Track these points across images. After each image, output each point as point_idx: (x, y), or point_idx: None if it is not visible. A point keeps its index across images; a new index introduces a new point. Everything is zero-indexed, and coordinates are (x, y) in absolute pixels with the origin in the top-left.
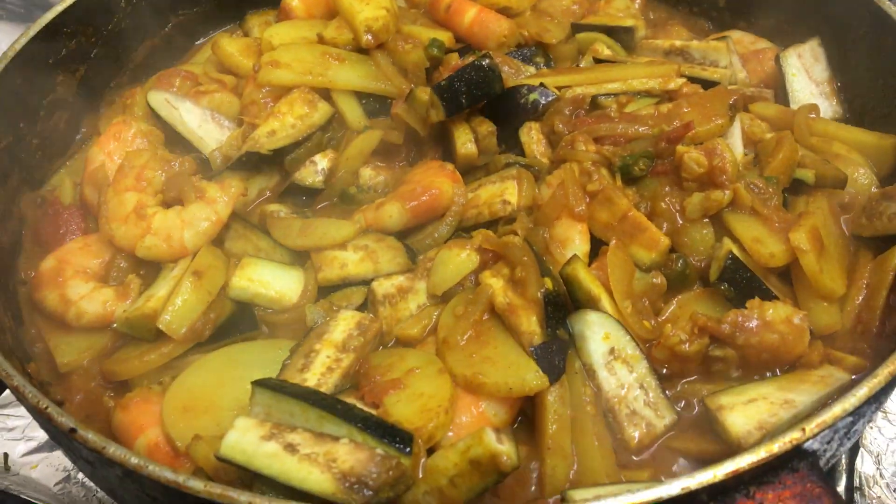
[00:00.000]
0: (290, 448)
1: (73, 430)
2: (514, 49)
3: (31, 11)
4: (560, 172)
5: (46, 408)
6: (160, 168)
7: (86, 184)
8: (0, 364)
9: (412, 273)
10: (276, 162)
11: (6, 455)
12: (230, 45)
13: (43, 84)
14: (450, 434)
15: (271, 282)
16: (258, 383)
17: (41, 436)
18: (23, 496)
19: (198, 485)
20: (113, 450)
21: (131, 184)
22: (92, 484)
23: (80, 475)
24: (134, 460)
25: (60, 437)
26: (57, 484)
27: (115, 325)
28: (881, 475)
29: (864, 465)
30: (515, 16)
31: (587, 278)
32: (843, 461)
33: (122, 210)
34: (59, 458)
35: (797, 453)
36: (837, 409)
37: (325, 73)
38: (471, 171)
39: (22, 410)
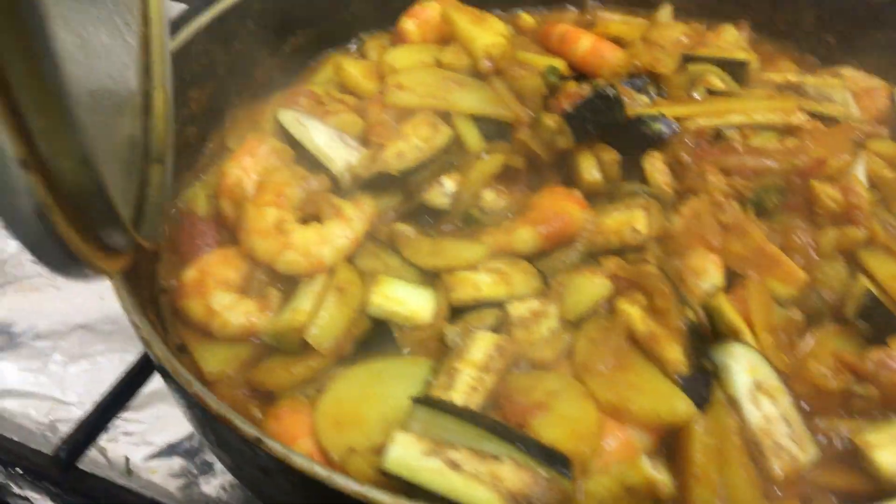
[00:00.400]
0: (453, 465)
1: (258, 440)
2: (627, 78)
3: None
4: (693, 203)
5: (231, 417)
6: (299, 185)
7: (222, 197)
8: (182, 374)
9: (545, 297)
10: (401, 183)
11: (128, 459)
12: (353, 68)
13: (178, 99)
14: (597, 460)
15: (406, 300)
16: (418, 400)
17: (160, 441)
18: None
19: (386, 499)
20: (298, 460)
21: (271, 199)
22: (212, 491)
23: (200, 481)
24: (319, 471)
25: (236, 444)
26: (179, 489)
27: (261, 336)
28: None
29: None
30: (627, 45)
31: (730, 310)
32: None
33: (262, 225)
34: (178, 464)
35: None
36: None
37: (447, 97)
38: (592, 198)
39: (141, 415)
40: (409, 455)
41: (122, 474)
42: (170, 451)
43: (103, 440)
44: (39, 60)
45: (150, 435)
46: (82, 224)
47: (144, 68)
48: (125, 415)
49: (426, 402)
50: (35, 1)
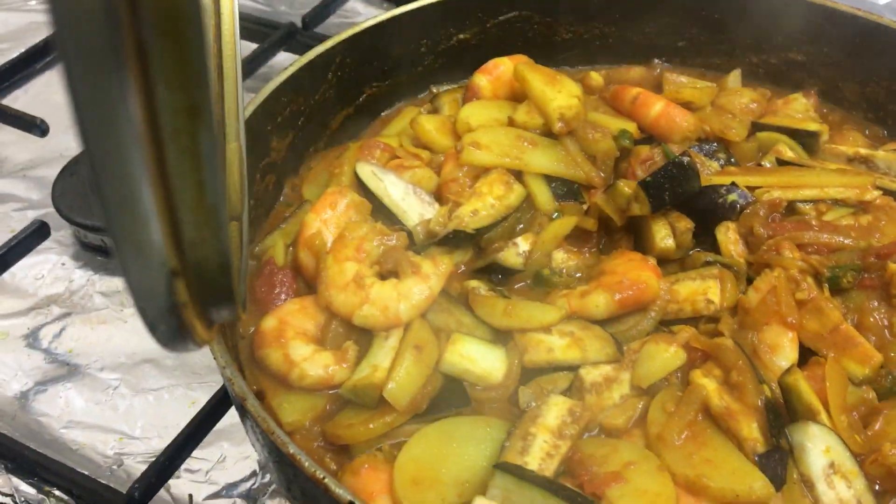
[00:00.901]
0: None
1: (351, 503)
2: (696, 143)
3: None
4: (770, 277)
5: (324, 478)
6: (377, 240)
7: (301, 248)
8: (279, 436)
9: (618, 363)
10: (474, 239)
11: (191, 496)
12: (428, 123)
13: (261, 149)
14: None
15: (479, 359)
16: (499, 467)
17: (223, 480)
18: None
19: None
20: None
21: (351, 254)
22: None
23: None
24: None
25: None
26: None
27: (339, 390)
28: None
29: None
30: (697, 110)
31: (807, 390)
32: None
33: (341, 279)
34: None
35: None
36: None
37: (521, 157)
38: (663, 264)
39: (204, 453)
40: None
41: None
42: (230, 489)
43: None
44: (206, 185)
45: (213, 474)
46: (206, 311)
47: (219, 123)
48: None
49: (507, 468)
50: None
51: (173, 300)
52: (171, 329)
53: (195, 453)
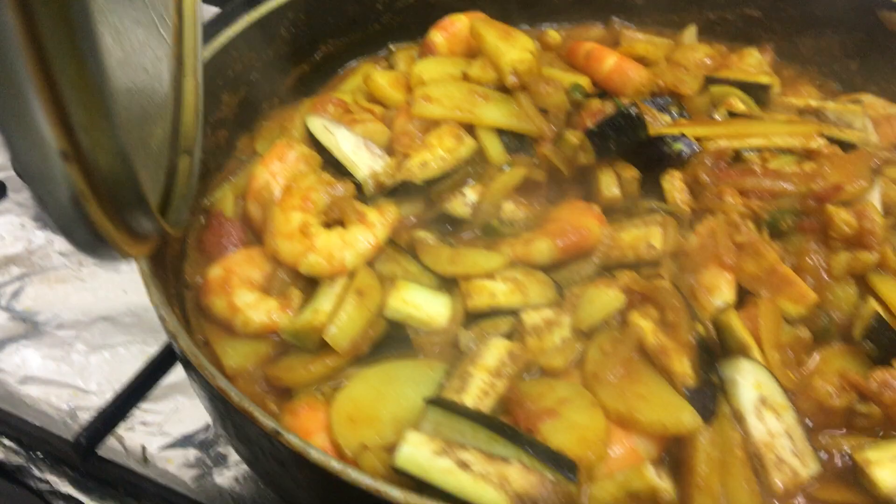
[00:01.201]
0: (463, 465)
1: (277, 433)
2: (649, 97)
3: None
4: (709, 222)
5: (251, 409)
6: (324, 190)
7: (250, 200)
8: (206, 367)
9: (559, 307)
10: (424, 191)
11: (144, 448)
12: (381, 78)
13: (210, 103)
14: (602, 467)
15: (423, 305)
16: (431, 401)
17: (177, 432)
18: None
19: (397, 494)
20: (315, 454)
21: (298, 204)
22: (225, 482)
23: (214, 472)
24: (335, 465)
25: (256, 437)
26: (193, 479)
27: (281, 334)
28: None
29: None
30: (651, 65)
31: (740, 327)
32: None
33: (287, 228)
34: (193, 454)
35: None
36: None
37: (472, 110)
38: (610, 213)
39: (160, 406)
40: (420, 454)
41: (139, 462)
42: (185, 441)
43: (122, 429)
44: (85, 58)
45: (167, 426)
46: (113, 210)
47: (177, 59)
48: (144, 405)
49: (439, 403)
50: (85, 1)
51: (71, 188)
52: (83, 230)
53: (150, 406)
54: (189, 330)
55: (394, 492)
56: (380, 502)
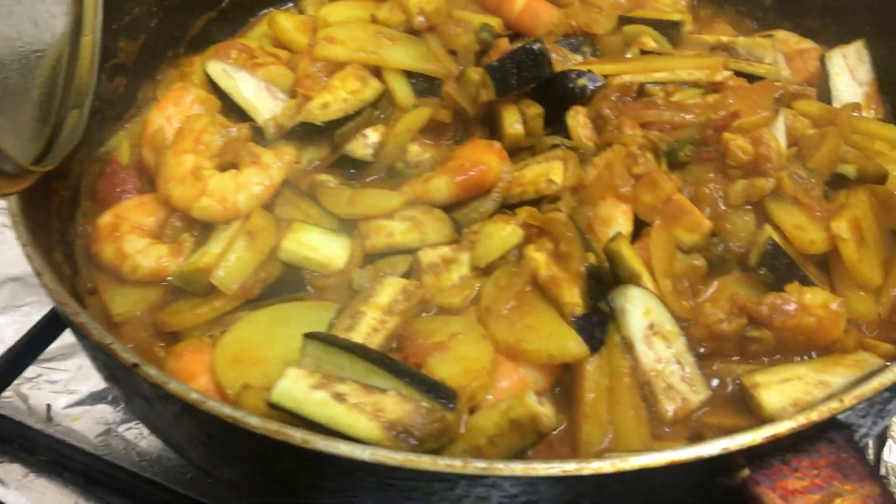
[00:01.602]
0: (339, 397)
1: (135, 365)
2: (562, 38)
3: None
4: (607, 154)
5: (111, 343)
6: (218, 133)
7: (144, 146)
8: (67, 302)
9: (457, 245)
10: (327, 134)
11: (49, 406)
12: (286, 21)
13: (106, 49)
14: (490, 397)
15: (320, 246)
16: (310, 335)
17: (84, 389)
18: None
19: (255, 421)
20: (174, 385)
21: (189, 146)
22: (132, 437)
23: (121, 428)
24: (194, 395)
25: (120, 373)
26: (98, 436)
27: (169, 278)
28: None
29: (891, 455)
30: (564, 6)
31: (630, 255)
32: (871, 450)
33: (179, 171)
34: (100, 412)
35: (833, 424)
36: (876, 383)
37: (378, 52)
38: (516, 152)
39: (66, 364)
40: (295, 388)
41: (42, 421)
42: (93, 399)
43: (26, 388)
44: None
45: (73, 384)
46: None
47: (76, 17)
48: (51, 364)
49: (317, 337)
50: None
51: None
52: None
53: (57, 365)
54: (76, 279)
55: (251, 419)
56: (249, 435)
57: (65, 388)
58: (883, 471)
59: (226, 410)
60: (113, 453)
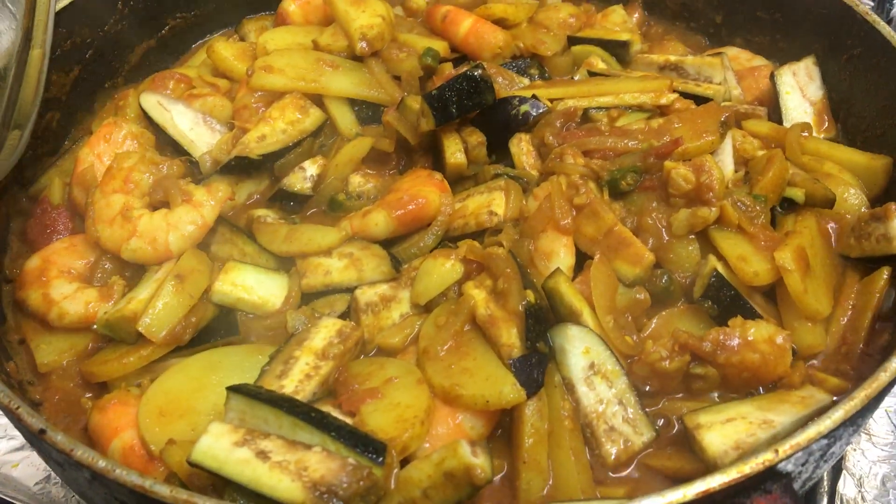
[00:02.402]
0: (262, 455)
1: (42, 431)
2: (510, 60)
3: None
4: (547, 185)
5: (18, 408)
6: (148, 170)
7: (75, 184)
8: None
9: (396, 282)
10: (266, 167)
11: None
12: (225, 50)
13: None
14: (426, 445)
15: (255, 287)
16: (233, 389)
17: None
18: (1, 496)
19: (164, 490)
20: (81, 452)
21: (119, 186)
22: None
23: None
24: (101, 463)
25: (31, 438)
26: (37, 483)
27: (95, 326)
28: (863, 498)
29: (846, 487)
30: (512, 27)
31: (569, 292)
32: (826, 483)
33: (108, 212)
34: (39, 459)
35: (770, 475)
36: (812, 432)
37: (319, 80)
38: (460, 182)
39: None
40: (217, 446)
41: None
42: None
43: None
44: None
45: (12, 429)
46: None
47: (26, 32)
48: None
49: (241, 390)
50: None
51: None
52: None
53: None
54: (3, 328)
55: (160, 488)
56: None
57: (4, 434)
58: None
59: (133, 479)
60: (52, 501)
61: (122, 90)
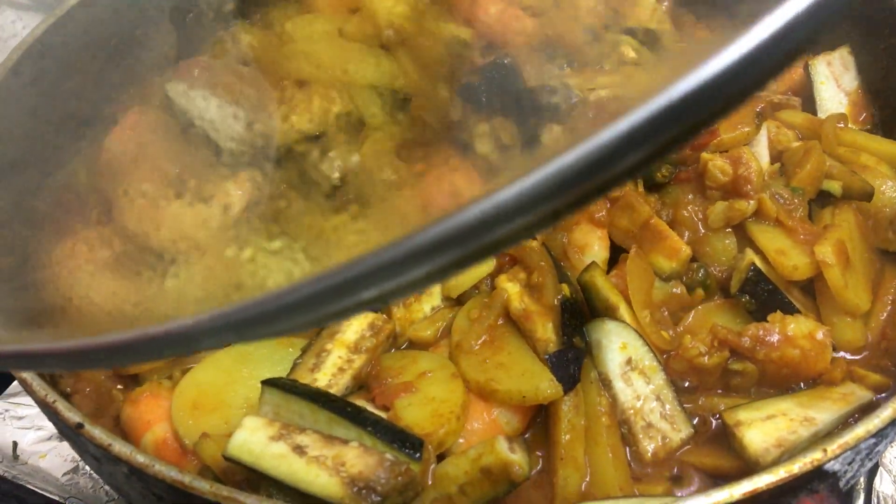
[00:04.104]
0: (299, 450)
1: (79, 426)
2: (538, 49)
3: None
4: None
5: (54, 402)
6: (176, 160)
7: (101, 173)
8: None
9: None
10: (292, 157)
11: (15, 444)
12: (252, 37)
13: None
14: (461, 441)
15: (285, 279)
16: (268, 382)
17: (51, 426)
18: (30, 486)
19: (204, 486)
20: (119, 447)
21: (146, 175)
22: (99, 478)
23: (88, 466)
24: (140, 458)
25: (67, 432)
26: (65, 474)
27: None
28: None
29: (882, 484)
30: (539, 14)
31: (605, 286)
32: (862, 480)
33: (136, 202)
34: (67, 449)
35: (817, 475)
36: (860, 430)
37: (346, 68)
38: (491, 173)
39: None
40: (253, 440)
41: (8, 459)
42: (60, 436)
43: None
44: None
45: (40, 419)
46: None
47: None
48: (17, 399)
49: (276, 383)
50: None
51: None
52: None
53: (22, 400)
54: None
55: (200, 484)
56: (199, 500)
57: (32, 424)
58: (874, 501)
59: (173, 475)
60: (81, 492)
61: (147, 79)
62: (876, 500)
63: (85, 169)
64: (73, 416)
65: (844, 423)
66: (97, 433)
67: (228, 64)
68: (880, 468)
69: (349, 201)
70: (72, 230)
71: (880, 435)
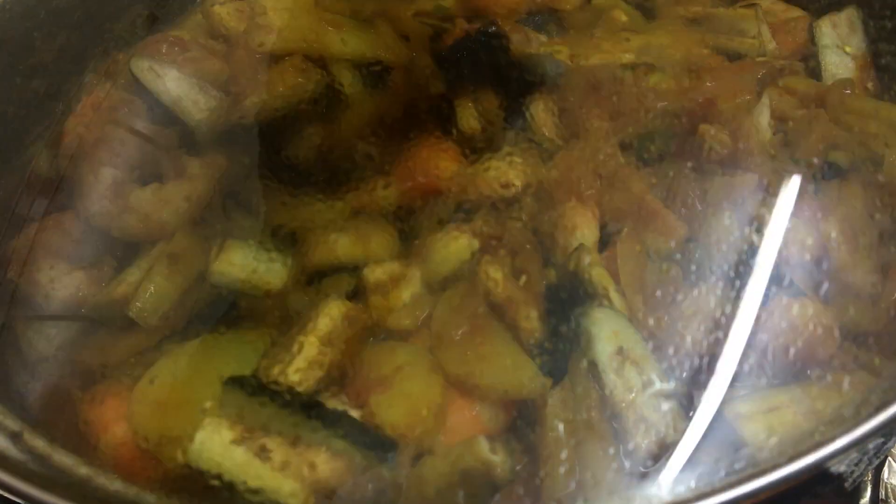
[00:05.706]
0: (263, 454)
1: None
2: (525, 16)
3: None
4: (569, 152)
5: None
6: (140, 141)
7: (62, 157)
8: None
9: (406, 259)
10: (264, 135)
11: None
12: (221, 9)
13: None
14: (440, 439)
15: (255, 266)
16: (230, 381)
17: None
18: None
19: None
20: (58, 458)
21: (107, 158)
22: None
23: None
24: (82, 470)
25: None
26: None
27: (82, 310)
28: None
29: (890, 475)
30: None
31: (595, 269)
32: (869, 473)
33: (98, 187)
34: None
35: (821, 478)
36: (868, 430)
37: (321, 40)
38: (474, 149)
39: None
40: (214, 443)
41: None
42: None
43: None
44: None
45: None
46: None
47: None
48: None
49: (240, 383)
50: None
51: None
52: None
53: None
54: None
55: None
56: None
57: None
58: (882, 493)
59: (116, 487)
60: None
61: (113, 55)
62: (884, 492)
63: (45, 153)
64: (10, 424)
65: (852, 417)
66: (38, 443)
67: (197, 39)
68: (889, 458)
69: (324, 181)
70: (31, 217)
71: (889, 434)
